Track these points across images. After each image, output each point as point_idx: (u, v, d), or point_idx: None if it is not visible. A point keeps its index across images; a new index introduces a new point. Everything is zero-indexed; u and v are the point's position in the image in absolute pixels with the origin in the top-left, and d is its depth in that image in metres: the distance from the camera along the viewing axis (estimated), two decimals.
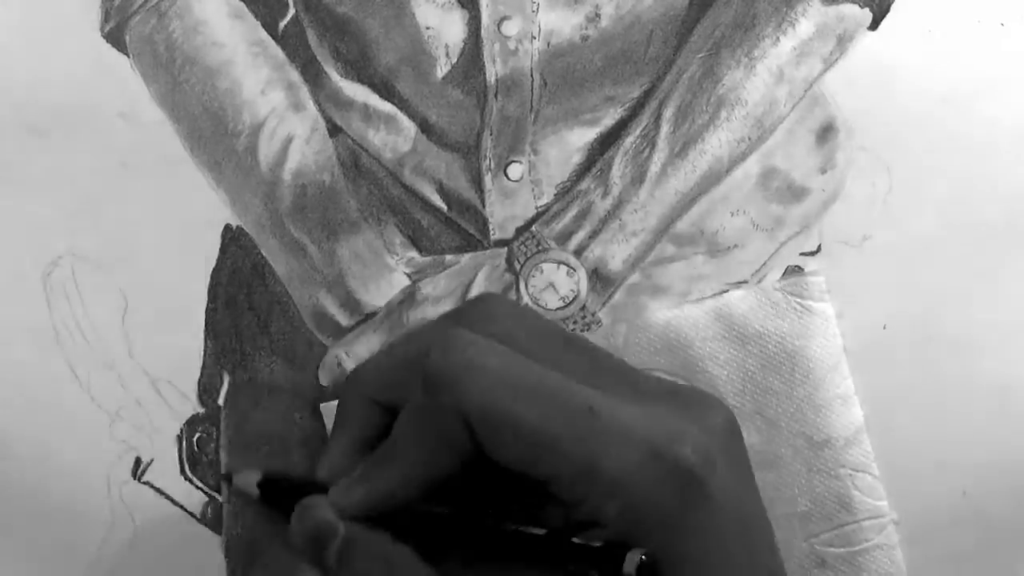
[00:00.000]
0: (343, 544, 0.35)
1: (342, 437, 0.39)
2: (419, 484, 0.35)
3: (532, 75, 0.49)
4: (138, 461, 0.49)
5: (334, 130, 0.50)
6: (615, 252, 0.49)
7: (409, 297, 0.49)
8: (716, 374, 0.48)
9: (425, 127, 0.50)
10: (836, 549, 0.48)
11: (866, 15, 0.49)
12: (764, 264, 0.49)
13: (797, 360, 0.48)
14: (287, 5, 0.50)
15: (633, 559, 0.31)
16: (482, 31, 0.49)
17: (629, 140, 0.49)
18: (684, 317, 0.48)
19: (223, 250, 0.50)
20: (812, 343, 0.48)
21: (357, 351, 0.49)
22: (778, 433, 0.48)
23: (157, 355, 0.50)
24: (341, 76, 0.50)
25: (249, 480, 0.42)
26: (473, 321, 0.36)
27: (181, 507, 0.50)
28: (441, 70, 0.49)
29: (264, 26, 0.50)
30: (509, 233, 0.50)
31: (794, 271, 0.49)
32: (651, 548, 0.32)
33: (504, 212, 0.49)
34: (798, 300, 0.48)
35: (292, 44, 0.50)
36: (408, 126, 0.50)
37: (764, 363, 0.48)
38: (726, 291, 0.49)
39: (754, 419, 0.48)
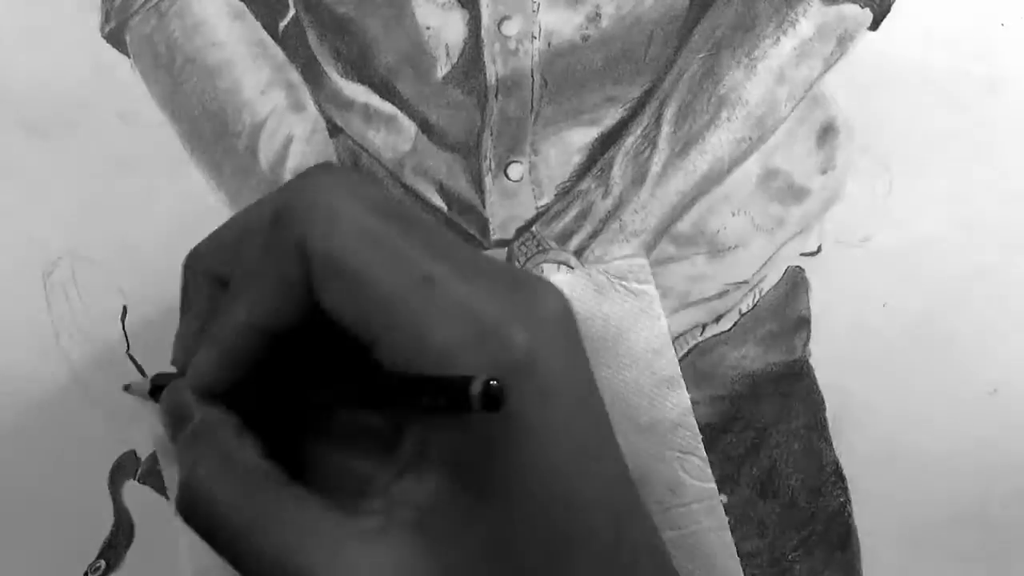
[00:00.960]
0: (193, 430, 0.35)
1: (188, 319, 0.38)
2: (259, 332, 0.34)
3: (533, 75, 0.49)
4: (138, 461, 0.49)
5: (334, 130, 0.50)
6: (616, 252, 0.49)
7: None
8: None
9: (425, 127, 0.50)
10: (667, 533, 0.47)
11: (866, 15, 0.49)
12: (764, 264, 0.50)
13: (620, 343, 0.47)
14: (287, 5, 0.50)
15: (478, 383, 0.30)
16: (482, 31, 0.49)
17: (630, 140, 0.49)
18: None
19: None
20: (636, 325, 0.48)
21: None
22: None
23: (157, 355, 0.50)
24: (341, 76, 0.50)
25: (142, 386, 0.42)
26: (310, 191, 0.35)
27: None
28: (441, 70, 0.49)
29: (264, 26, 0.50)
30: (509, 233, 0.50)
31: (627, 256, 0.49)
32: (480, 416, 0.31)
33: (504, 212, 0.49)
34: (622, 282, 0.48)
35: (292, 44, 0.50)
36: (408, 126, 0.50)
37: (589, 347, 0.47)
38: (727, 291, 0.49)
39: None
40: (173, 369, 0.39)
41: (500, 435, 0.32)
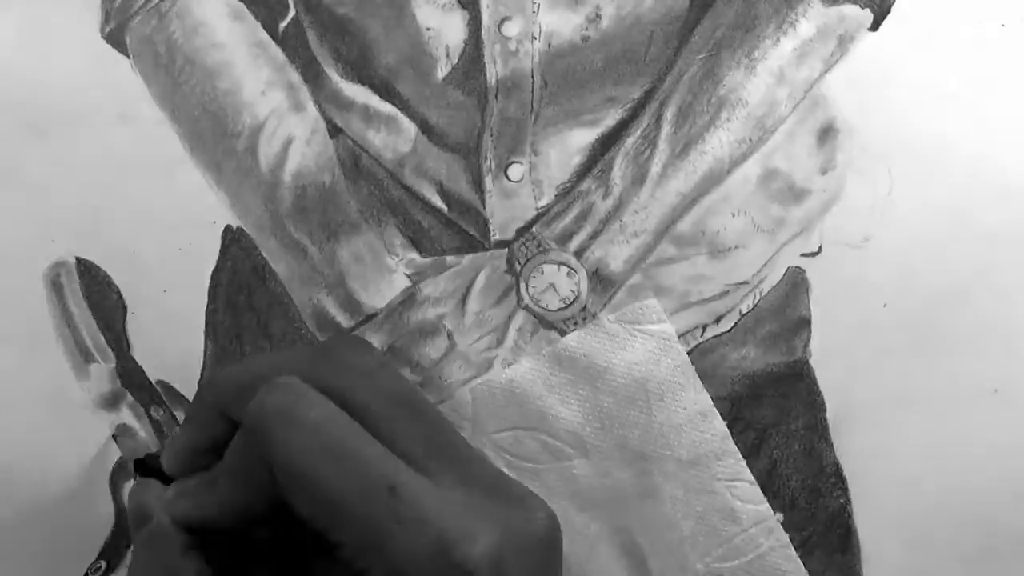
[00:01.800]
0: (147, 535, 0.36)
1: (184, 437, 0.38)
2: (233, 516, 0.35)
3: (533, 76, 0.49)
4: (138, 461, 0.50)
5: (334, 131, 0.50)
6: (616, 253, 0.49)
7: (409, 298, 0.49)
8: (572, 418, 0.48)
9: (425, 128, 0.49)
10: (731, 562, 0.48)
11: (867, 16, 0.49)
12: (765, 264, 0.49)
13: (648, 386, 0.48)
14: (287, 6, 0.50)
15: None
16: (483, 32, 0.49)
17: (630, 141, 0.49)
18: (525, 371, 0.48)
19: (223, 251, 0.50)
20: (659, 367, 0.48)
21: None
22: (647, 462, 0.48)
23: (157, 355, 0.50)
24: (341, 77, 0.50)
25: (130, 451, 0.42)
26: (327, 366, 0.36)
27: None
28: (442, 71, 0.49)
29: (264, 27, 0.50)
30: (510, 234, 0.49)
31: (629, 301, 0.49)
32: None
33: (504, 213, 0.49)
34: (636, 327, 0.48)
35: (292, 45, 0.50)
36: (408, 127, 0.50)
37: (616, 396, 0.48)
38: (727, 292, 0.49)
39: (623, 453, 0.48)
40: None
41: None
